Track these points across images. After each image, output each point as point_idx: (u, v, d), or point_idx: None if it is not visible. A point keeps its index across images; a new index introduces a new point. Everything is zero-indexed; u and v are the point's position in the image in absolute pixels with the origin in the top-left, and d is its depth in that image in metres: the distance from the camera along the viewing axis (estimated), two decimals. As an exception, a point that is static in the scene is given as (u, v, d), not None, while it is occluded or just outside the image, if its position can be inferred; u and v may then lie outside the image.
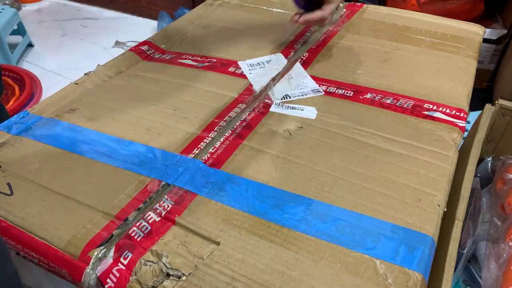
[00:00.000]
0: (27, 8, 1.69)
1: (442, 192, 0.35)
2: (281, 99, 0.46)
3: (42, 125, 0.42)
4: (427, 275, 0.30)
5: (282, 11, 0.65)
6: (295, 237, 0.31)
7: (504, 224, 0.50)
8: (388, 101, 0.45)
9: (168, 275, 0.29)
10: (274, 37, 0.54)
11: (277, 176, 0.36)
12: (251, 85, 0.48)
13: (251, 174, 0.37)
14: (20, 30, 1.42)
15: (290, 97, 0.47)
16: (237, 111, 0.44)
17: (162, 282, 0.28)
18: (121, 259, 0.30)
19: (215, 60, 0.53)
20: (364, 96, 0.46)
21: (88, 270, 0.29)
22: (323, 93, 0.47)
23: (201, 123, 0.43)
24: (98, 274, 0.29)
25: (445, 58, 0.52)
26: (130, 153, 0.39)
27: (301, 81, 0.49)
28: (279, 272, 0.29)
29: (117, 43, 1.42)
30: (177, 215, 0.33)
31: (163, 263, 0.29)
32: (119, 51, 1.08)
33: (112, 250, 0.30)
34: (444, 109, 0.44)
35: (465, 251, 0.48)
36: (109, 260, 0.30)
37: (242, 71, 0.51)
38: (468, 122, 0.76)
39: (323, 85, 0.48)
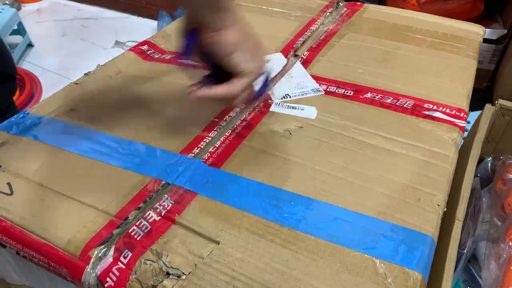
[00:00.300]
0: (27, 8, 1.69)
1: (442, 192, 0.35)
2: (281, 98, 0.46)
3: (42, 125, 0.42)
4: (426, 274, 0.30)
5: (282, 10, 0.65)
6: (295, 237, 0.31)
7: (504, 224, 0.50)
8: (388, 101, 0.45)
9: (168, 274, 0.29)
10: (274, 36, 0.54)
11: (277, 176, 0.36)
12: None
13: (251, 173, 0.37)
14: (20, 30, 1.42)
15: (290, 97, 0.47)
16: (237, 110, 0.44)
17: (162, 281, 0.28)
18: (121, 258, 0.30)
19: None
20: (364, 96, 0.46)
21: (88, 270, 0.29)
22: (323, 92, 0.47)
23: (201, 122, 0.43)
24: (98, 273, 0.29)
25: (445, 58, 0.52)
26: (130, 153, 0.39)
27: (301, 81, 0.49)
28: (279, 271, 0.29)
29: (117, 43, 1.42)
30: (177, 214, 0.33)
31: (163, 262, 0.29)
32: (119, 51, 1.08)
33: (112, 249, 0.30)
34: (444, 109, 0.44)
35: (465, 251, 0.48)
36: (109, 259, 0.30)
37: None
38: (468, 122, 0.76)
39: (323, 84, 0.48)
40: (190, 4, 0.34)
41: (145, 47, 0.56)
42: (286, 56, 0.53)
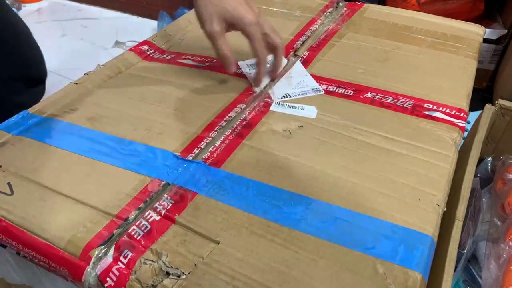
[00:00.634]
0: (27, 8, 1.69)
1: (442, 192, 0.35)
2: (281, 98, 0.46)
3: (42, 125, 0.42)
4: (426, 274, 0.30)
5: (282, 10, 0.65)
6: (295, 237, 0.31)
7: (504, 224, 0.50)
8: (388, 101, 0.45)
9: (167, 274, 0.29)
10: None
11: (277, 175, 0.36)
12: (251, 85, 0.48)
13: (251, 173, 0.36)
14: (20, 30, 1.42)
15: (290, 96, 0.47)
16: (237, 111, 0.44)
17: (162, 281, 0.28)
18: (121, 258, 0.30)
19: (215, 60, 0.53)
20: (364, 96, 0.46)
21: (88, 270, 0.29)
22: (323, 92, 0.47)
23: (201, 122, 0.43)
24: (98, 273, 0.29)
25: (445, 58, 0.52)
26: (130, 153, 0.39)
27: (301, 80, 0.49)
28: (279, 271, 0.29)
29: (117, 43, 1.42)
30: (177, 214, 0.33)
31: (163, 262, 0.29)
32: (119, 51, 1.08)
33: (112, 249, 0.30)
34: (444, 109, 0.44)
35: (465, 251, 0.48)
36: (109, 259, 0.30)
37: (242, 71, 0.51)
38: (468, 122, 0.76)
39: (323, 84, 0.48)
40: None
41: (145, 47, 0.56)
42: (286, 56, 0.53)
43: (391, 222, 0.32)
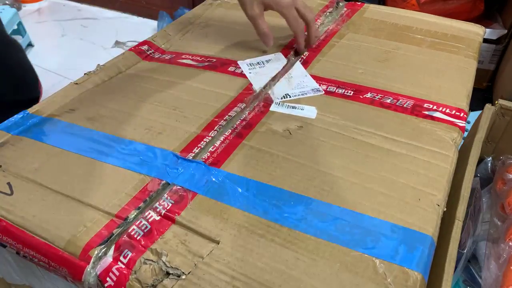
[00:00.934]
0: (27, 8, 1.69)
1: (442, 192, 0.35)
2: (281, 98, 0.46)
3: (41, 125, 0.42)
4: (426, 274, 0.30)
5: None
6: (295, 236, 0.31)
7: (504, 224, 0.50)
8: (388, 101, 0.45)
9: (167, 273, 0.29)
10: (274, 36, 0.54)
11: (277, 176, 0.36)
12: (250, 84, 0.48)
13: (251, 173, 0.36)
14: (20, 30, 1.42)
15: (290, 96, 0.47)
16: (237, 110, 0.44)
17: (161, 281, 0.28)
18: (121, 258, 0.30)
19: (214, 60, 0.53)
20: (364, 96, 0.46)
21: (88, 269, 0.29)
22: (323, 92, 0.47)
23: (201, 122, 0.43)
24: (98, 273, 0.29)
25: (445, 58, 0.52)
26: (130, 153, 0.39)
27: (301, 81, 0.49)
28: (279, 271, 0.29)
29: (117, 43, 1.42)
30: (177, 214, 0.33)
31: (163, 261, 0.29)
32: (119, 51, 1.08)
33: (112, 248, 0.30)
34: (444, 109, 0.44)
35: (465, 251, 0.48)
36: (109, 259, 0.30)
37: (242, 71, 0.51)
38: (468, 122, 0.76)
39: (323, 84, 0.48)
40: None
41: (145, 47, 0.56)
42: (286, 56, 0.53)
43: (391, 222, 0.32)
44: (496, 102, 0.57)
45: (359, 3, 0.65)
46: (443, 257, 0.35)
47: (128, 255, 0.30)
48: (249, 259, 0.29)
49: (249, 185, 0.35)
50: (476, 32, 0.58)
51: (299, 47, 0.54)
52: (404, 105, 0.44)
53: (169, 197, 0.34)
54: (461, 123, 0.42)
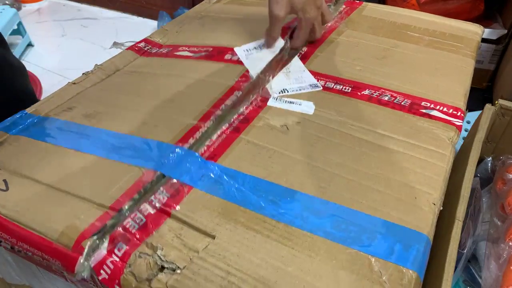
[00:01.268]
0: (27, 8, 1.70)
1: (438, 191, 0.35)
2: (279, 93, 0.46)
3: (39, 124, 0.42)
4: (421, 273, 0.30)
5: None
6: (291, 233, 0.31)
7: (504, 224, 0.50)
8: (386, 98, 0.45)
9: (162, 268, 0.28)
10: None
11: (274, 171, 0.36)
12: (247, 71, 0.48)
13: (248, 168, 0.36)
14: (20, 30, 1.43)
15: (288, 91, 0.46)
16: (233, 98, 0.44)
17: (156, 275, 0.28)
18: (116, 251, 0.29)
19: (211, 49, 0.53)
20: (362, 93, 0.46)
21: (81, 261, 0.29)
22: (321, 88, 0.47)
23: (197, 113, 0.42)
24: (92, 265, 0.29)
25: (443, 56, 0.52)
26: (125, 146, 0.38)
27: (299, 76, 0.49)
28: (275, 267, 0.29)
29: (115, 44, 1.42)
30: (172, 208, 0.32)
31: (158, 255, 0.29)
32: (119, 51, 1.08)
33: (106, 241, 0.30)
34: (441, 108, 0.43)
35: (465, 251, 0.48)
36: (103, 251, 0.29)
37: (239, 58, 0.50)
38: (468, 122, 0.76)
39: (321, 80, 0.48)
40: None
41: (142, 44, 0.56)
42: (283, 38, 0.53)
43: (387, 220, 0.32)
44: (496, 102, 0.57)
45: (358, 1, 0.65)
46: (443, 257, 0.35)
47: (122, 248, 0.29)
48: (245, 254, 0.29)
49: (245, 180, 0.35)
50: (475, 31, 0.58)
51: (295, 43, 0.53)
52: (402, 103, 0.44)
53: (164, 191, 0.34)
54: (458, 122, 0.42)
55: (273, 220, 0.32)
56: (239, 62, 0.50)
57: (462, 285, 0.50)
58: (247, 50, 0.51)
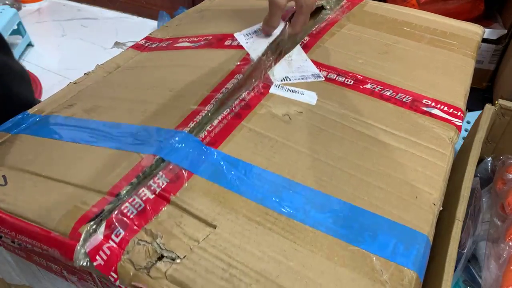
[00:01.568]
0: (27, 8, 1.70)
1: (439, 191, 0.34)
2: (281, 80, 0.45)
3: (40, 122, 0.41)
4: (421, 274, 0.29)
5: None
6: (293, 226, 0.30)
7: (504, 224, 0.50)
8: (388, 93, 0.44)
9: (162, 256, 0.27)
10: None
11: (276, 162, 0.35)
12: (248, 54, 0.47)
13: (249, 157, 0.35)
14: (20, 30, 1.42)
15: (290, 80, 0.45)
16: (234, 82, 0.43)
17: (155, 263, 0.27)
18: (113, 237, 0.28)
19: (211, 37, 0.52)
20: (364, 86, 0.45)
21: (78, 248, 0.28)
22: (324, 79, 0.46)
23: (197, 98, 0.41)
24: (88, 250, 0.28)
25: (444, 55, 0.52)
26: (124, 135, 0.37)
27: (301, 64, 0.48)
28: (276, 261, 0.28)
29: (117, 44, 1.42)
30: (172, 194, 0.31)
31: (157, 243, 0.28)
32: (119, 51, 1.09)
33: (103, 226, 0.29)
34: (442, 106, 0.43)
35: (465, 251, 0.48)
36: (99, 236, 0.28)
37: (239, 42, 0.50)
38: (468, 122, 0.75)
39: (323, 70, 0.47)
40: None
41: (143, 42, 0.55)
42: (283, 20, 0.52)
43: (388, 218, 0.32)
44: (496, 102, 0.57)
45: (359, -2, 0.65)
46: (443, 257, 0.35)
47: (120, 233, 0.28)
48: (247, 246, 0.29)
49: (247, 169, 0.34)
50: (475, 31, 0.58)
51: (295, 28, 0.52)
52: (403, 99, 0.44)
53: (164, 175, 0.33)
54: (458, 122, 0.42)
55: (275, 212, 0.31)
56: (239, 46, 0.49)
57: (462, 285, 0.50)
58: (247, 35, 0.50)
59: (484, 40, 0.63)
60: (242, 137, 0.38)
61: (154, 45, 0.55)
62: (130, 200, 0.31)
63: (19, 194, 0.33)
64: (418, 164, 0.36)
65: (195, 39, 0.53)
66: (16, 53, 1.36)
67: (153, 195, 0.31)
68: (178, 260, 0.27)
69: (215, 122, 0.39)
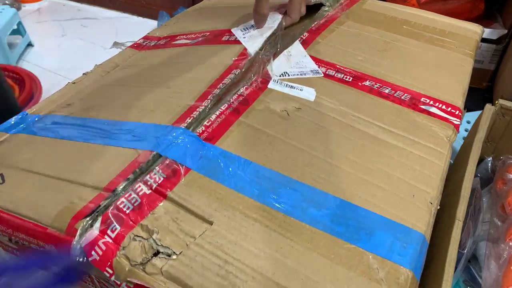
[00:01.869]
0: (27, 8, 1.70)
1: (436, 189, 0.34)
2: (280, 76, 0.45)
3: (39, 121, 0.41)
4: (418, 272, 0.29)
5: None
6: (290, 224, 0.30)
7: (504, 224, 0.49)
8: (386, 91, 0.44)
9: (158, 252, 0.27)
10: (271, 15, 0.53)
11: (274, 158, 0.35)
12: (245, 49, 0.47)
13: (247, 153, 0.35)
14: (20, 30, 1.42)
15: (288, 75, 0.45)
16: (232, 77, 0.43)
17: (151, 259, 0.27)
18: (108, 232, 0.28)
19: (208, 33, 0.52)
20: (363, 83, 0.45)
21: (74, 243, 0.28)
22: (322, 75, 0.46)
23: (194, 94, 0.41)
24: (83, 245, 0.27)
25: (443, 54, 0.52)
26: (122, 132, 0.37)
27: (300, 60, 0.47)
28: (273, 258, 0.28)
29: (116, 44, 1.42)
30: (168, 189, 0.31)
31: (153, 239, 0.28)
32: (118, 51, 1.09)
33: (99, 221, 0.29)
34: (440, 105, 0.43)
35: (465, 251, 0.48)
36: (95, 231, 0.28)
37: (236, 38, 0.49)
38: (468, 122, 0.75)
39: (322, 66, 0.47)
40: None
41: (141, 41, 0.55)
42: (281, 13, 0.52)
43: (385, 216, 0.31)
44: (496, 102, 0.57)
45: (358, -4, 0.65)
46: (443, 257, 0.35)
47: (116, 229, 0.28)
48: (243, 243, 0.28)
49: (244, 165, 0.34)
50: (474, 31, 0.58)
51: (293, 16, 0.52)
52: (402, 97, 0.44)
53: (160, 171, 0.32)
54: (456, 121, 0.42)
55: (272, 209, 0.31)
56: (236, 41, 0.49)
57: (462, 285, 0.50)
58: (244, 29, 0.50)
59: (484, 40, 0.63)
60: (240, 133, 0.37)
61: (152, 44, 0.54)
62: (126, 196, 0.31)
63: (16, 191, 0.32)
64: (416, 163, 0.36)
65: (192, 36, 0.53)
66: (16, 53, 1.36)
67: (150, 191, 0.31)
68: (174, 256, 0.27)
69: (213, 117, 0.38)
